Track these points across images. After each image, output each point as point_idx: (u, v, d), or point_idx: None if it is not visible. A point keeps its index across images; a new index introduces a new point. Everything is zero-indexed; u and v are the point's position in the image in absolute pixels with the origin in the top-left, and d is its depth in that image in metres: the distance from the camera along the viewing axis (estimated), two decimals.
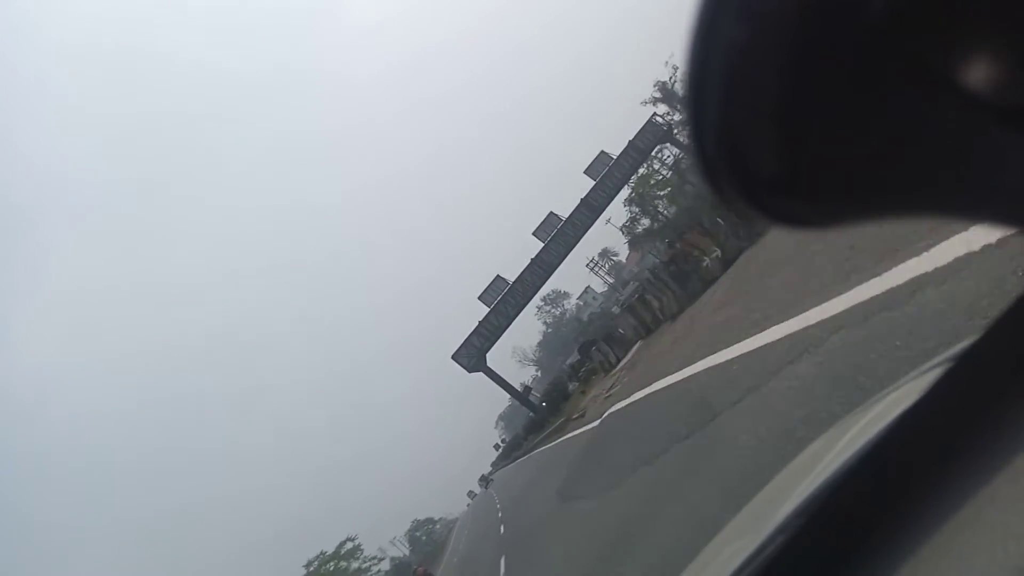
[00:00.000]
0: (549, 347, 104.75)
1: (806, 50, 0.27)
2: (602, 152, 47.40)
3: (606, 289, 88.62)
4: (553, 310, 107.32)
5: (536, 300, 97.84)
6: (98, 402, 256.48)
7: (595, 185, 46.64)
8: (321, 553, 51.73)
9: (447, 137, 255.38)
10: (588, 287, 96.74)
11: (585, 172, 47.52)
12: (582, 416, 20.15)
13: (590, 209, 46.82)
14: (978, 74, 0.26)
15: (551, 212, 47.75)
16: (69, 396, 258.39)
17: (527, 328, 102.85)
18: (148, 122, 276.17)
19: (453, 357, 48.00)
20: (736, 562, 0.79)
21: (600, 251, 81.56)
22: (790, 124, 0.28)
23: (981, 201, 0.31)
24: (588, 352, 32.25)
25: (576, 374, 35.14)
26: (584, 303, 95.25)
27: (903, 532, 0.49)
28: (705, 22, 0.27)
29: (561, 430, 25.48)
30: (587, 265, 79.95)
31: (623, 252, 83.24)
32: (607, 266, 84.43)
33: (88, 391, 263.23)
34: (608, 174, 46.14)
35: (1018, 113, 0.27)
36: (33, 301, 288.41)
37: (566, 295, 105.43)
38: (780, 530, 0.75)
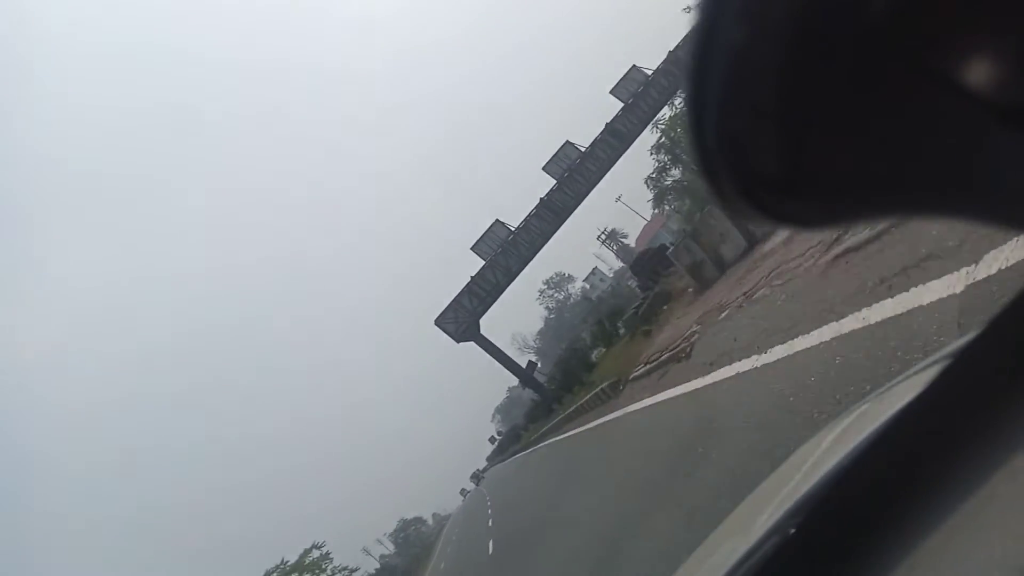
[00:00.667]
0: (552, 334, 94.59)
1: (806, 50, 0.27)
2: (634, 67, 36.67)
3: (615, 273, 77.02)
4: (556, 294, 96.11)
5: (539, 283, 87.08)
6: (67, 397, 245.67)
7: (624, 107, 35.68)
8: (282, 562, 42.45)
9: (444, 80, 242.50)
10: (595, 268, 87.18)
11: (611, 92, 35.86)
12: (685, 356, 8.57)
13: (617, 137, 35.78)
14: (978, 74, 0.26)
15: (567, 141, 36.01)
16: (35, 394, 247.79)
17: (527, 314, 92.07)
18: (146, 116, 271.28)
19: (437, 322, 36.44)
20: (731, 562, 0.78)
21: (608, 232, 70.17)
22: (790, 124, 0.29)
23: (981, 201, 0.31)
24: (656, 264, 23.69)
25: (614, 323, 23.57)
26: (591, 285, 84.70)
27: (900, 531, 0.48)
28: (705, 22, 0.28)
29: (601, 402, 17.17)
30: (598, 237, 68.47)
31: (632, 235, 72.38)
32: (615, 248, 73.02)
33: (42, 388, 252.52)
34: (642, 93, 34.29)
35: (1018, 113, 0.27)
36: (26, 295, 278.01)
37: (571, 278, 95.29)
38: (775, 530, 0.74)
